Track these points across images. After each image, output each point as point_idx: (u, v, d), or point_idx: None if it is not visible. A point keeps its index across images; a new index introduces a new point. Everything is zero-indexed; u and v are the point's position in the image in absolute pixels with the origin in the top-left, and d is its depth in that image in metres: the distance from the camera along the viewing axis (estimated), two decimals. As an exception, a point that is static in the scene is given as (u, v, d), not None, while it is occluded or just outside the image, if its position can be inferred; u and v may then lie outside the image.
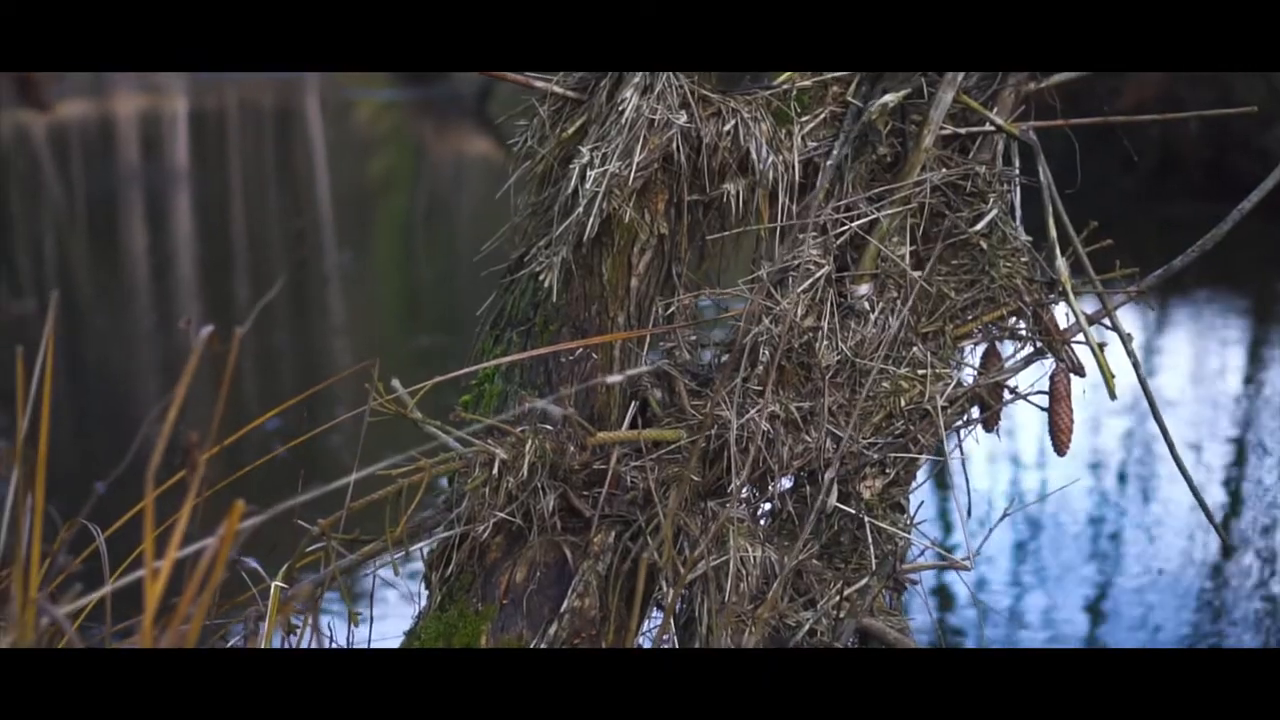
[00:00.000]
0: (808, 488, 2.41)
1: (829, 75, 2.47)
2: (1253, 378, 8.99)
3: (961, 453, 2.50)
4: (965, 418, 2.50)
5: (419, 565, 2.53)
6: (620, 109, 2.35)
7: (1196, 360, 9.23)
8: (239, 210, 16.80)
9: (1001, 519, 2.54)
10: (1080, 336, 2.48)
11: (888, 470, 2.42)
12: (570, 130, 2.41)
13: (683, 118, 2.36)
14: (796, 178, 2.44)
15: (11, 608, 1.57)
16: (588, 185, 2.34)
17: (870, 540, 2.39)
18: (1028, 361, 2.53)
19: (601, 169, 2.34)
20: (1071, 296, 2.46)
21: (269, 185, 19.13)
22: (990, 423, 2.54)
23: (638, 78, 2.35)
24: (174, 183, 18.21)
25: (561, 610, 2.37)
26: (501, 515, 2.36)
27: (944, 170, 2.46)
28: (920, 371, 2.42)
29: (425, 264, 14.18)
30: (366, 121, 24.93)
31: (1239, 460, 7.44)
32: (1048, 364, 2.52)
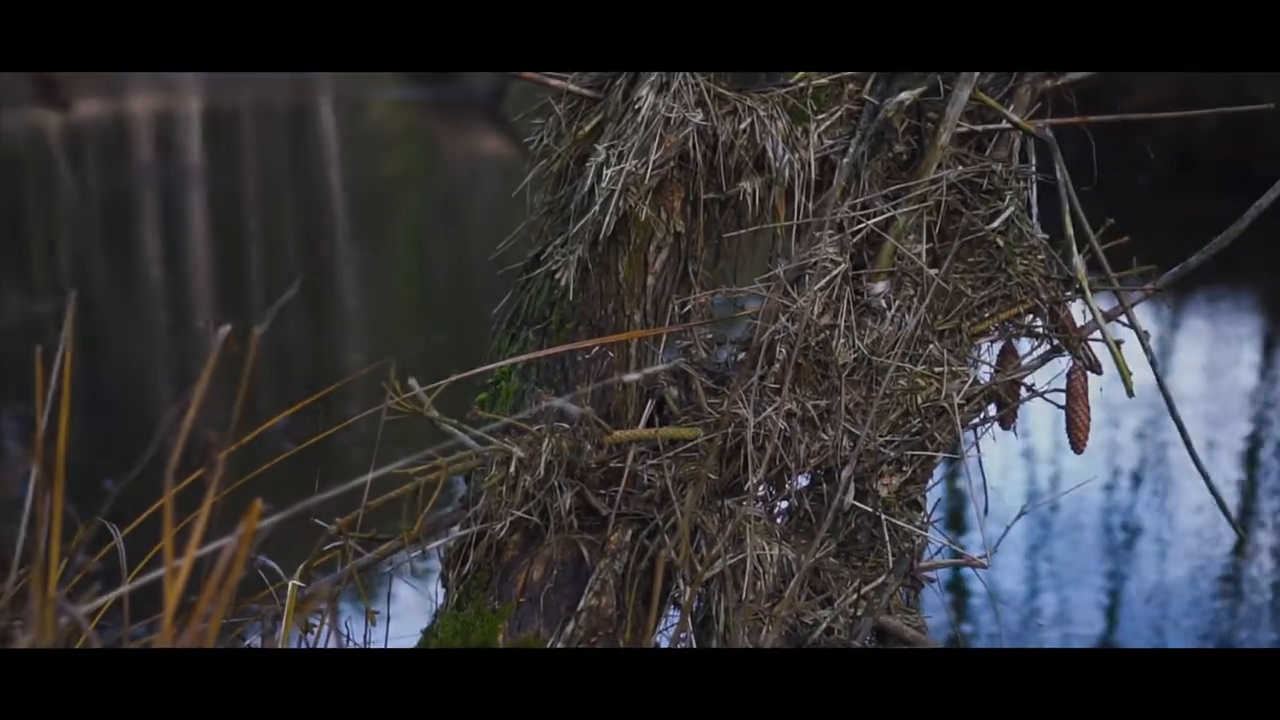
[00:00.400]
0: (825, 486, 2.41)
1: (845, 73, 2.46)
2: (1268, 374, 8.98)
3: (978, 450, 2.50)
4: (982, 415, 2.50)
5: (435, 564, 2.53)
6: (636, 107, 2.35)
7: (1211, 357, 9.22)
8: (252, 208, 16.83)
9: (1019, 517, 2.53)
10: (1097, 334, 2.48)
11: (905, 468, 2.41)
12: (586, 128, 2.41)
13: (699, 116, 2.36)
14: (813, 175, 2.43)
15: (31, 607, 1.57)
16: (604, 183, 2.34)
17: (887, 538, 2.39)
18: (1044, 359, 2.53)
19: (618, 167, 2.34)
20: (1088, 294, 2.46)
21: (282, 183, 19.16)
22: (1007, 420, 2.54)
23: (654, 76, 2.35)
24: (188, 181, 18.24)
25: (579, 608, 2.37)
26: (518, 513, 2.36)
27: (960, 168, 2.46)
28: (937, 369, 2.42)
29: (438, 262, 14.19)
30: (379, 120, 24.95)
31: (1254, 456, 7.43)
32: (1064, 361, 2.51)
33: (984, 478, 2.47)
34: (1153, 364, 2.46)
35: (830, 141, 2.46)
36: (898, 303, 2.43)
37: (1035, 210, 2.52)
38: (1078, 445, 2.52)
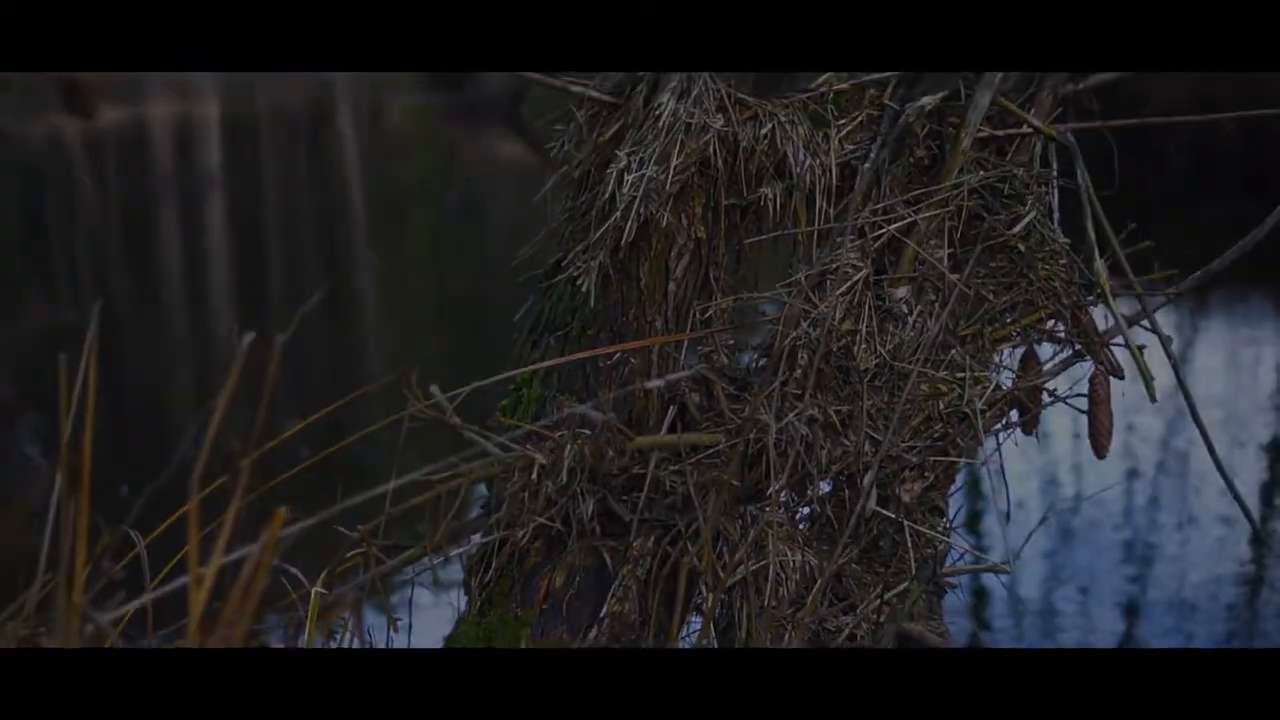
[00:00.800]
0: (847, 491, 2.41)
1: (866, 78, 2.46)
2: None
3: (1000, 456, 2.49)
4: (1004, 421, 2.49)
5: (458, 572, 2.53)
6: (657, 113, 2.35)
7: (1232, 360, 9.20)
8: (272, 214, 16.86)
9: (1041, 522, 2.53)
10: (1119, 338, 2.47)
11: (927, 474, 2.41)
12: (607, 135, 2.41)
13: (719, 122, 2.36)
14: (834, 181, 2.43)
15: (56, 613, 1.58)
16: (625, 190, 2.34)
17: (910, 544, 2.38)
18: (1066, 364, 2.52)
19: (639, 173, 2.34)
20: (1110, 298, 2.45)
21: (301, 189, 19.19)
22: (1029, 425, 2.53)
23: (674, 82, 2.35)
24: (207, 187, 18.28)
25: (601, 615, 2.37)
26: (541, 520, 2.36)
27: (981, 173, 2.46)
28: (959, 374, 2.42)
29: (457, 267, 14.20)
30: (398, 124, 24.97)
31: (1276, 460, 7.41)
32: (1086, 366, 2.51)
33: (1006, 483, 2.47)
34: (1175, 368, 2.46)
35: (851, 147, 2.46)
36: (919, 308, 2.43)
37: (1057, 215, 2.51)
38: (1100, 450, 2.51)
